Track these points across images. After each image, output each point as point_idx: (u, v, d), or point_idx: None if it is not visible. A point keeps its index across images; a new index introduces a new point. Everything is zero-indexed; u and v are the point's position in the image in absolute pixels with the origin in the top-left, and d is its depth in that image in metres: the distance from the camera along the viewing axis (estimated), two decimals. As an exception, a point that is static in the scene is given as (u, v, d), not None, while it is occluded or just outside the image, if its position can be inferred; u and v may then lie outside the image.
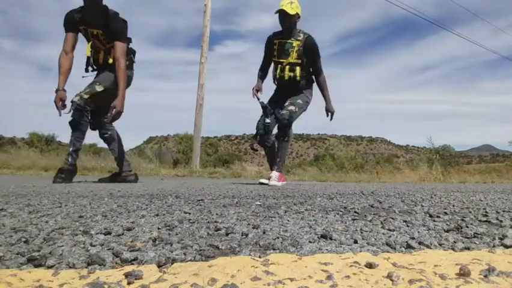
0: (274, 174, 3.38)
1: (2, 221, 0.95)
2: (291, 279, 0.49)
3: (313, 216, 1.16)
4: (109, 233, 0.82)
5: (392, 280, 0.50)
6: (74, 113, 2.97)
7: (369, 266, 0.56)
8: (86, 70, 3.27)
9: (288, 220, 1.06)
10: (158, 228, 0.89)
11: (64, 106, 2.96)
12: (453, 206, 1.60)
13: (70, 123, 3.02)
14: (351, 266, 0.56)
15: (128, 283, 0.48)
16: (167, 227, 0.90)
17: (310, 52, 3.42)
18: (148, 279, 0.49)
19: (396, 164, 8.95)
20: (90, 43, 3.18)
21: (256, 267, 0.54)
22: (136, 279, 0.49)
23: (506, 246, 0.77)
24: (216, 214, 1.16)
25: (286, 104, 3.40)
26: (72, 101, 2.98)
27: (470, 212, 1.35)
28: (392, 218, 1.12)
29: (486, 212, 1.36)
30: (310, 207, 1.40)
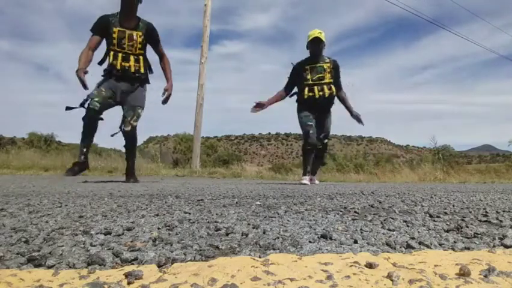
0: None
1: (2, 221, 0.95)
2: (291, 279, 0.49)
3: (313, 216, 1.16)
4: (109, 233, 0.82)
5: (392, 280, 0.50)
6: (129, 139, 3.33)
7: (369, 266, 0.56)
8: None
9: (288, 220, 1.06)
10: (158, 228, 0.89)
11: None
12: (453, 206, 1.60)
13: (127, 145, 3.37)
14: (351, 266, 0.56)
15: (128, 283, 0.48)
16: (167, 227, 0.90)
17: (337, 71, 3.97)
18: (148, 279, 0.49)
19: (395, 165, 8.94)
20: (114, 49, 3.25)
21: (256, 267, 0.54)
22: (136, 279, 0.49)
23: (506, 246, 0.77)
24: (216, 214, 1.16)
25: (326, 127, 3.97)
26: (123, 130, 3.24)
27: (470, 212, 1.35)
28: (392, 218, 1.12)
29: (486, 212, 1.36)
30: (310, 207, 1.40)
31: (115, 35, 3.17)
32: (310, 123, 3.80)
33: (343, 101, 4.06)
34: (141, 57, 3.29)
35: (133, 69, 3.23)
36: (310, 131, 3.77)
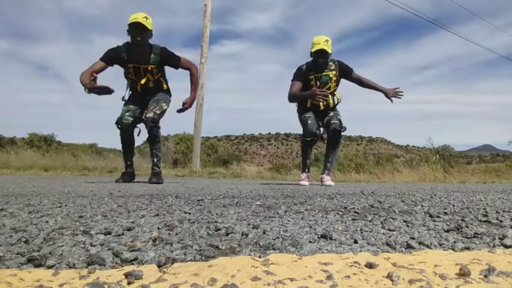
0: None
1: (2, 221, 0.95)
2: (291, 279, 0.49)
3: (313, 216, 1.16)
4: (109, 233, 0.82)
5: (392, 280, 0.50)
6: (152, 129, 3.21)
7: (369, 266, 0.56)
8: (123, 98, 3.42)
9: (288, 220, 1.06)
10: (158, 228, 0.89)
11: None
12: (453, 206, 1.60)
13: (151, 137, 3.27)
14: (351, 266, 0.56)
15: (128, 283, 0.48)
16: (167, 227, 0.90)
17: (346, 70, 3.74)
18: (148, 279, 0.49)
19: (395, 165, 8.93)
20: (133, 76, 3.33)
21: (256, 267, 0.54)
22: (136, 279, 0.49)
23: (506, 246, 0.77)
24: (216, 214, 1.16)
25: (331, 114, 3.72)
26: (146, 117, 3.18)
27: (470, 212, 1.35)
28: (392, 218, 1.12)
29: (486, 212, 1.36)
30: (310, 207, 1.40)
31: (130, 70, 3.25)
32: (309, 115, 3.69)
33: (367, 84, 3.77)
34: (161, 79, 3.39)
35: (154, 88, 3.37)
36: (309, 121, 3.64)
